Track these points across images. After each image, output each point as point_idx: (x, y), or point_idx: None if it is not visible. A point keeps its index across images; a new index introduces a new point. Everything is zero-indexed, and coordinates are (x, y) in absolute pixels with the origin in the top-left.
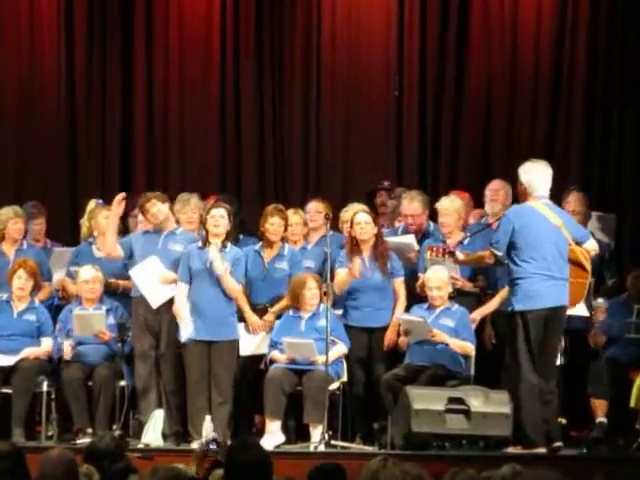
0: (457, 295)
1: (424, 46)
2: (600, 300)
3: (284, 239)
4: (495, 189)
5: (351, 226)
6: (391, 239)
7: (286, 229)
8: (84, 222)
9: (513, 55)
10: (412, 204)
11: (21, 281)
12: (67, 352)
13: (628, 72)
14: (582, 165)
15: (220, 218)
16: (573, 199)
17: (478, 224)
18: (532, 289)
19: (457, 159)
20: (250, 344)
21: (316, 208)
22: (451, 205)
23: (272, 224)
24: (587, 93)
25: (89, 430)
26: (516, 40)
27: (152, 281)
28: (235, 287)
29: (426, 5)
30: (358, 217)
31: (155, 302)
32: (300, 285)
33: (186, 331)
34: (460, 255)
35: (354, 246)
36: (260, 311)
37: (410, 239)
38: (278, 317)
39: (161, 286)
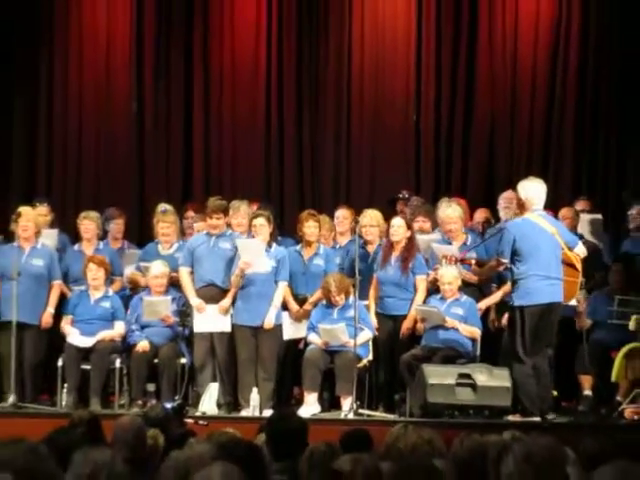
0: (462, 286)
1: (439, 83)
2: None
3: (319, 240)
4: (509, 198)
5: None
6: (435, 245)
7: (320, 229)
8: (155, 222)
9: (513, 92)
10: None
11: (92, 273)
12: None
13: (612, 103)
14: (573, 175)
15: (260, 227)
16: (582, 206)
17: (493, 228)
18: (530, 287)
19: (466, 173)
20: (292, 329)
21: (343, 214)
22: (454, 213)
23: (309, 227)
24: (576, 124)
25: (139, 402)
26: (515, 80)
27: (215, 321)
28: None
29: (441, 49)
30: (393, 221)
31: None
32: (329, 290)
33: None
34: (476, 269)
35: (390, 247)
36: (301, 300)
37: (452, 250)
38: (315, 305)
39: (224, 316)
